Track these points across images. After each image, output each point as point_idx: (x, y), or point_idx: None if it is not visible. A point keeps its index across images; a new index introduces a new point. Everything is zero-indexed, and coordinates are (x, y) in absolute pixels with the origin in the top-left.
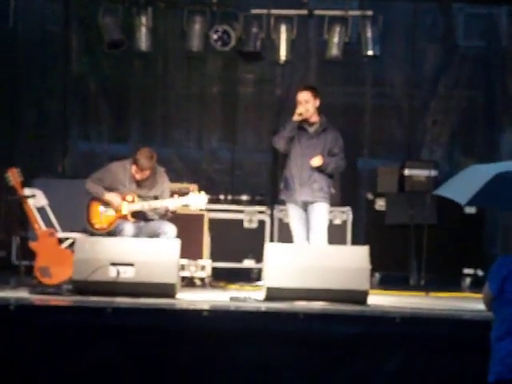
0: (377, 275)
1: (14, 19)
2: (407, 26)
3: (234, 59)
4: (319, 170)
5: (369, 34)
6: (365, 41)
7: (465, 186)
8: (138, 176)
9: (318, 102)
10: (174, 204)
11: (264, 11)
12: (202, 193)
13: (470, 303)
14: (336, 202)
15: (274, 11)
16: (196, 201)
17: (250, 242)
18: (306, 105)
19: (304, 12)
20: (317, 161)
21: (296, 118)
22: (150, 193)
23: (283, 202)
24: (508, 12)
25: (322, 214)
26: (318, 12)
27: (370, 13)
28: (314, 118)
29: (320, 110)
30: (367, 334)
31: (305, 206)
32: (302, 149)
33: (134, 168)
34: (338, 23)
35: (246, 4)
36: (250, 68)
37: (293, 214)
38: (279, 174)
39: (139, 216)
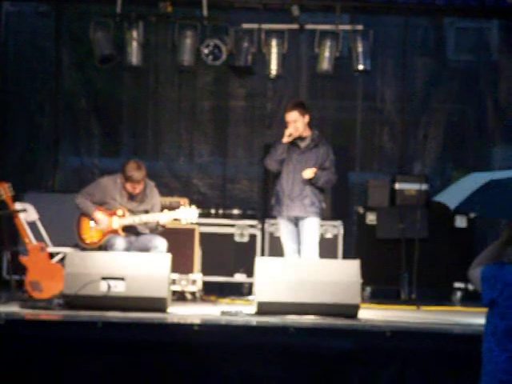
0: (368, 289)
1: (5, 34)
2: (398, 40)
3: (225, 73)
4: (311, 183)
5: (360, 48)
6: (356, 55)
7: (458, 191)
8: (137, 190)
9: (307, 118)
10: (164, 218)
11: (255, 26)
12: (193, 207)
13: (460, 317)
14: (327, 215)
15: (265, 26)
16: (187, 215)
17: (240, 256)
18: (295, 124)
19: (295, 26)
20: (309, 173)
21: (286, 139)
22: (140, 207)
23: (274, 216)
24: (498, 26)
25: (314, 228)
26: (308, 26)
27: (360, 27)
28: (305, 133)
29: (310, 125)
30: (358, 348)
31: (296, 221)
32: (294, 164)
33: (129, 185)
34: (328, 38)
35: (237, 19)
36: (241, 82)
37: (284, 229)
38: (270, 188)
39: (130, 230)
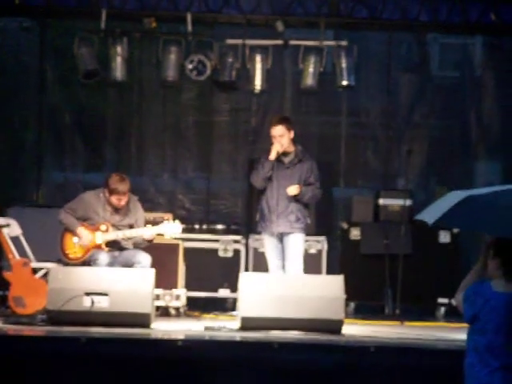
0: (352, 304)
1: None
2: (382, 56)
3: (210, 89)
4: (296, 199)
5: (344, 63)
6: (340, 71)
7: (437, 208)
8: (123, 202)
9: (292, 133)
10: (148, 232)
11: (239, 41)
12: (177, 221)
13: (444, 333)
14: (311, 231)
15: (249, 41)
16: (170, 229)
17: (225, 272)
18: (281, 139)
19: (279, 42)
20: (293, 190)
21: (273, 156)
22: (124, 221)
23: (259, 232)
24: (482, 42)
25: (299, 244)
26: (293, 42)
27: (344, 43)
28: (289, 149)
29: (294, 140)
30: (342, 364)
31: (281, 237)
32: (278, 180)
33: (114, 198)
34: (313, 53)
35: (221, 34)
36: (226, 97)
37: (269, 245)
38: (255, 203)
39: (114, 245)
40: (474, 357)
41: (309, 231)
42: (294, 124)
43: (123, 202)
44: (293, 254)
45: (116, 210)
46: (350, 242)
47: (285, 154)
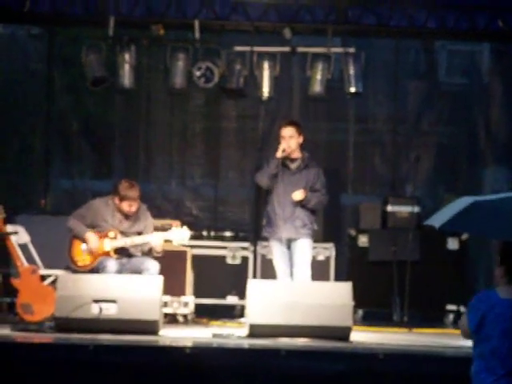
0: (360, 311)
1: None
2: (390, 63)
3: (217, 96)
4: (301, 204)
5: (351, 70)
6: (347, 78)
7: (445, 213)
8: (134, 208)
9: (301, 139)
10: (156, 239)
11: (247, 48)
12: (185, 227)
13: (452, 339)
14: (319, 237)
15: (257, 48)
16: (179, 235)
17: (233, 279)
18: (290, 140)
19: (287, 49)
20: (298, 195)
21: (280, 154)
22: (132, 228)
23: (266, 238)
24: (490, 49)
25: (306, 250)
26: (300, 49)
27: (352, 50)
28: (296, 155)
29: (302, 147)
30: (350, 371)
31: (288, 243)
32: (284, 185)
33: (125, 204)
34: (320, 60)
35: (229, 41)
36: (233, 104)
37: (276, 251)
38: (262, 210)
39: (122, 252)
40: (480, 364)
41: (317, 238)
42: (302, 130)
43: (134, 208)
44: (300, 260)
45: (126, 216)
46: (358, 249)
47: (292, 160)
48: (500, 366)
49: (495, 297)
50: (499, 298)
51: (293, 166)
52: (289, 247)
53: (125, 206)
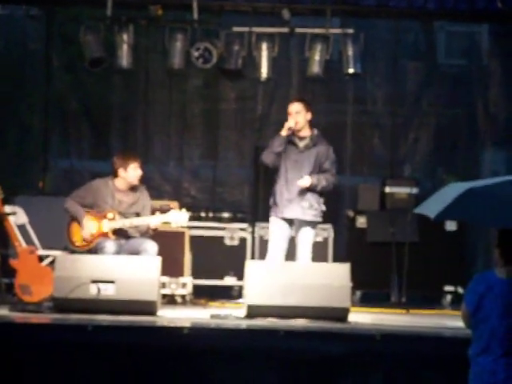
0: (358, 292)
1: None
2: (389, 44)
3: (216, 77)
4: (308, 189)
5: (350, 51)
6: (346, 59)
7: (438, 201)
8: (139, 171)
9: (309, 115)
10: (155, 221)
11: (245, 29)
12: (183, 210)
13: (450, 320)
14: None
15: (256, 29)
16: (177, 218)
17: (231, 260)
18: (297, 116)
19: (285, 30)
20: (304, 182)
21: (285, 132)
22: (131, 209)
23: (264, 219)
24: (489, 30)
25: (309, 232)
26: (299, 30)
27: (351, 31)
28: (305, 132)
29: (311, 124)
30: (348, 352)
31: (292, 223)
32: (292, 164)
33: (131, 170)
34: (319, 41)
35: (227, 22)
36: (232, 85)
37: (275, 227)
38: (261, 192)
39: (120, 233)
40: (479, 346)
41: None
42: (311, 107)
43: (140, 171)
44: (304, 241)
45: (126, 192)
46: (357, 230)
47: (300, 138)
48: (498, 346)
49: (493, 277)
50: (497, 278)
51: (301, 144)
52: (291, 227)
53: (131, 172)
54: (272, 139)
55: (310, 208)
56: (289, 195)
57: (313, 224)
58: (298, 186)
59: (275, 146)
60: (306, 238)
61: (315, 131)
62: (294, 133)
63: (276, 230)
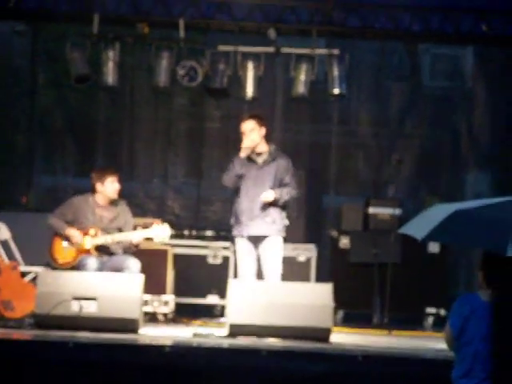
0: (340, 313)
1: None
2: (373, 65)
3: (201, 95)
4: (271, 203)
5: (335, 72)
6: (331, 79)
7: (424, 222)
8: (117, 184)
9: (263, 130)
10: (137, 236)
11: (231, 48)
12: (166, 224)
13: (432, 342)
14: (300, 238)
15: (242, 48)
16: (159, 233)
17: (213, 278)
18: (251, 134)
19: (271, 50)
20: (267, 195)
21: (243, 153)
22: (112, 225)
23: (232, 236)
24: (473, 53)
25: (276, 247)
26: (284, 50)
27: (336, 51)
28: (262, 148)
29: (268, 139)
30: (330, 372)
31: (256, 241)
32: (253, 180)
33: (109, 184)
34: (304, 61)
35: (213, 41)
36: (217, 104)
37: (242, 249)
38: None
39: (103, 250)
40: (462, 369)
41: (298, 239)
42: (285, 131)
43: (117, 185)
44: (271, 258)
45: (111, 202)
46: (340, 251)
47: (258, 154)
48: (482, 369)
49: (477, 300)
50: (481, 300)
51: (260, 159)
52: (257, 245)
53: (108, 185)
54: (231, 161)
55: (273, 223)
56: (251, 212)
57: (277, 239)
58: (261, 201)
59: (237, 169)
60: (273, 254)
61: (272, 145)
62: (249, 152)
63: (242, 250)
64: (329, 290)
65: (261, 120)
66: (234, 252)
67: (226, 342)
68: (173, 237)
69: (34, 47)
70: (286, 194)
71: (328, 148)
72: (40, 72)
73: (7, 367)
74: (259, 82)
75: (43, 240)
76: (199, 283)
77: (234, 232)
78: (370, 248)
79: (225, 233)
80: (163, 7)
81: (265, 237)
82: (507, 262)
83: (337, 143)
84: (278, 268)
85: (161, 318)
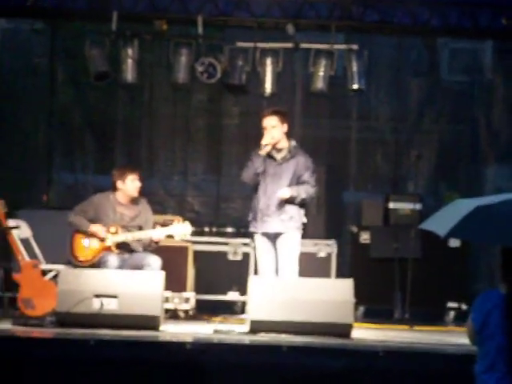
0: (361, 308)
1: (0, 50)
2: (392, 61)
3: (220, 92)
4: (288, 201)
5: (354, 67)
6: (350, 74)
7: (446, 219)
8: (138, 182)
9: (286, 127)
10: (158, 234)
11: (250, 44)
12: (186, 222)
13: (453, 337)
14: (321, 234)
15: (260, 44)
16: (180, 230)
17: (234, 275)
18: (272, 130)
19: (290, 45)
20: (283, 193)
21: (263, 151)
22: (133, 223)
23: (251, 233)
24: (492, 47)
25: (293, 244)
26: (303, 45)
27: (355, 47)
28: (282, 144)
29: (289, 135)
30: (351, 368)
31: (274, 238)
32: (271, 177)
33: (129, 182)
34: (323, 56)
35: (231, 37)
36: (236, 100)
37: (261, 247)
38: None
39: (123, 247)
40: (484, 363)
41: (318, 234)
42: (304, 127)
43: (138, 183)
44: (287, 255)
45: (132, 200)
46: (360, 246)
47: (277, 150)
48: (504, 363)
49: (498, 294)
50: (502, 295)
51: (279, 156)
52: (275, 242)
53: (129, 183)
54: (250, 158)
55: (290, 220)
56: (268, 209)
57: (295, 236)
58: (278, 198)
59: (255, 166)
60: (289, 251)
61: (293, 142)
62: (269, 149)
63: (261, 247)
64: (349, 285)
65: (284, 116)
66: (254, 248)
67: (247, 339)
68: (193, 234)
69: (52, 45)
70: (303, 191)
71: (347, 143)
72: (59, 70)
73: (29, 365)
74: (278, 77)
75: (64, 238)
76: (220, 280)
77: (251, 228)
78: (390, 243)
79: (245, 229)
80: (180, 4)
81: (281, 234)
82: None
83: (356, 138)
84: (294, 265)
85: (181, 314)
